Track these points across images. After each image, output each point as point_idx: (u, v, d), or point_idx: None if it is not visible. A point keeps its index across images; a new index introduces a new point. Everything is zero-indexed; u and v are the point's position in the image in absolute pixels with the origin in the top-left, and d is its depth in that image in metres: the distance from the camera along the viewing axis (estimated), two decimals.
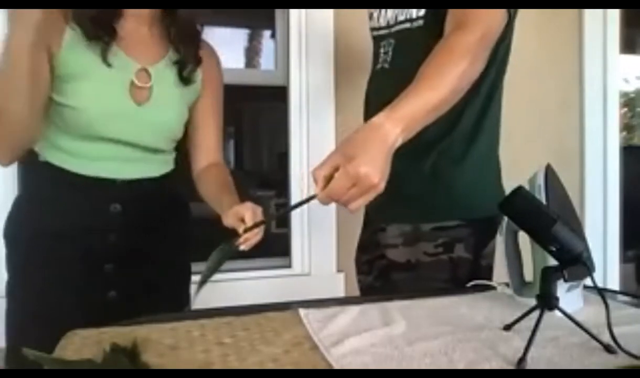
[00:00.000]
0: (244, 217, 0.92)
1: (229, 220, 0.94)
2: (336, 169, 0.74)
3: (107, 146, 1.03)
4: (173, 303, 1.14)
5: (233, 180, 1.11)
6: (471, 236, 1.08)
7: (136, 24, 1.06)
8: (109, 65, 1.00)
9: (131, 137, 1.05)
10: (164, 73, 1.07)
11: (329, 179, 0.75)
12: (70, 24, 0.99)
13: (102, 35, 0.99)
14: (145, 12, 1.06)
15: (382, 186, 0.75)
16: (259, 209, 0.94)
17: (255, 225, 0.91)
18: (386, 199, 1.14)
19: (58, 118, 1.00)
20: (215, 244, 0.89)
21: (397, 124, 0.77)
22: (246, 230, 0.91)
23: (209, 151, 1.17)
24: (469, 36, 0.87)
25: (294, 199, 1.89)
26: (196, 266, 1.13)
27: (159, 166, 1.12)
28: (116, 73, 1.01)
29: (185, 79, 1.10)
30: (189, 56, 1.10)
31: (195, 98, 1.15)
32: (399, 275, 1.11)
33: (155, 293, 1.10)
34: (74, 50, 0.98)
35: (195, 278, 0.98)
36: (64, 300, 1.02)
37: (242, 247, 0.92)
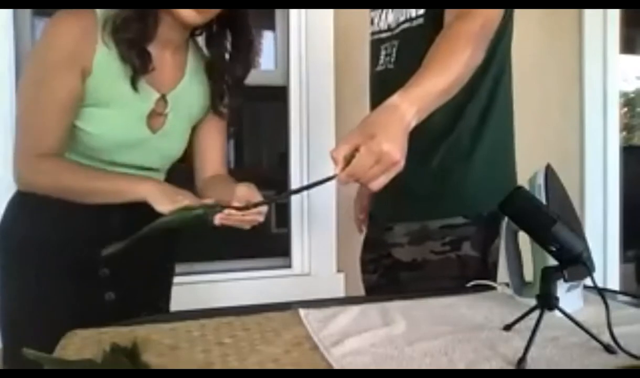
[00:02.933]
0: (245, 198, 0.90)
1: (235, 193, 0.91)
2: (356, 149, 0.75)
3: (115, 169, 1.03)
4: (166, 303, 1.18)
5: (233, 180, 1.11)
6: (478, 233, 1.08)
7: (161, 48, 1.02)
8: (136, 91, 0.98)
9: (140, 162, 1.06)
10: (179, 99, 1.06)
11: (348, 159, 0.75)
12: (105, 40, 0.95)
13: (135, 59, 0.95)
14: (174, 37, 1.03)
15: (402, 163, 0.76)
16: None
17: (255, 205, 0.87)
18: (393, 198, 1.15)
19: (69, 138, 0.99)
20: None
21: (412, 105, 0.79)
22: (240, 208, 0.87)
23: (214, 166, 1.16)
24: (471, 25, 0.90)
25: (294, 198, 1.89)
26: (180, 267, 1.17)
27: None
28: (139, 102, 1.00)
29: (215, 107, 1.10)
30: (221, 89, 1.09)
31: (200, 118, 1.14)
32: (405, 274, 1.12)
33: (151, 294, 1.12)
34: (104, 74, 0.96)
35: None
36: (59, 301, 1.01)
37: (217, 222, 0.87)
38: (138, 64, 0.96)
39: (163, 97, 1.04)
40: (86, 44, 0.94)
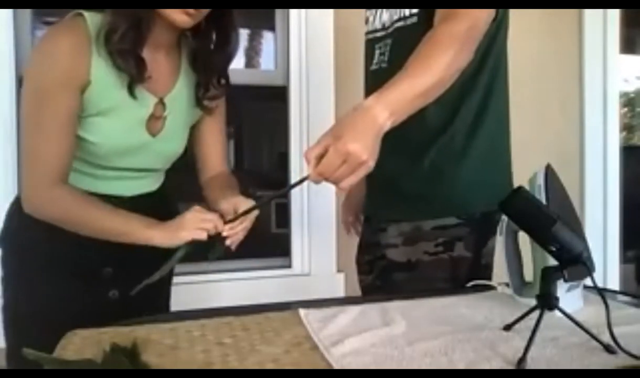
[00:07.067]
0: (238, 209, 0.94)
1: (224, 206, 0.96)
2: (327, 149, 0.76)
3: (116, 172, 1.04)
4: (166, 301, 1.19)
5: (231, 181, 1.12)
6: (471, 234, 1.08)
7: (154, 52, 1.01)
8: (134, 98, 0.98)
9: (142, 165, 1.07)
10: (176, 101, 1.07)
11: (320, 159, 0.77)
12: (99, 51, 0.94)
13: (131, 68, 0.95)
14: (165, 39, 1.02)
15: (371, 164, 0.77)
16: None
17: (243, 213, 0.93)
18: (386, 199, 1.15)
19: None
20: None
21: (386, 107, 0.79)
22: (230, 220, 0.93)
23: (216, 164, 1.16)
24: (457, 26, 0.89)
25: (294, 198, 1.89)
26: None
27: (156, 181, 1.15)
28: (137, 108, 1.00)
29: (199, 100, 1.09)
30: (206, 81, 1.08)
31: (199, 116, 1.14)
32: (400, 275, 1.11)
33: (153, 292, 1.11)
34: (102, 85, 0.96)
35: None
36: (63, 301, 1.01)
37: (228, 242, 0.94)
38: (134, 73, 0.96)
39: (161, 101, 1.04)
40: (80, 59, 0.93)
